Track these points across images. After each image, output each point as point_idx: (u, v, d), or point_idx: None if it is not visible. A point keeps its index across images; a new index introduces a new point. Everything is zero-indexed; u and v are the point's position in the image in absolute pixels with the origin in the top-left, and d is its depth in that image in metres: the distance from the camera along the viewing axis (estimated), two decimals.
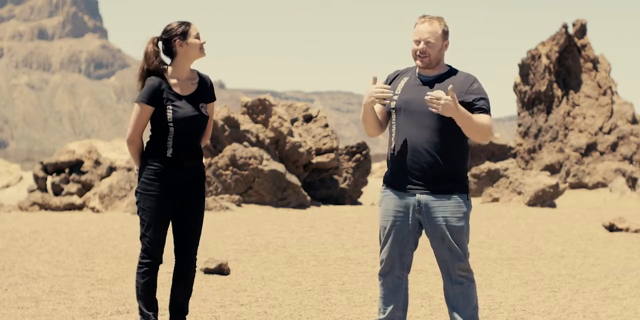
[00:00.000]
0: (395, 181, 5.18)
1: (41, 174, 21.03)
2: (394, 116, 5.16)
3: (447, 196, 5.08)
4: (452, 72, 5.19)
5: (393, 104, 5.15)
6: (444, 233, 5.09)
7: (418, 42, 5.12)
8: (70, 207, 19.18)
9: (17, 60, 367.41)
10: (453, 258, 5.13)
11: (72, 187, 20.23)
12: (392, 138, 5.17)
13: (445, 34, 5.14)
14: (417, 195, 5.11)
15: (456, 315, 5.18)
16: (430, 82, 5.14)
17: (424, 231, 5.23)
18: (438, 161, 5.06)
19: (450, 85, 4.96)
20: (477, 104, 5.06)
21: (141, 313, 5.60)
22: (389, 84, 5.25)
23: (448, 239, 5.10)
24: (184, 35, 5.52)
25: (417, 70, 5.23)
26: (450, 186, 5.10)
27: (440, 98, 4.90)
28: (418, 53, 5.12)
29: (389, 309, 5.27)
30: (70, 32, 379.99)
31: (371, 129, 5.24)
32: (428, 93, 4.96)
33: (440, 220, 5.09)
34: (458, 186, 5.12)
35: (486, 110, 5.08)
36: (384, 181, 5.27)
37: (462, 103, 5.04)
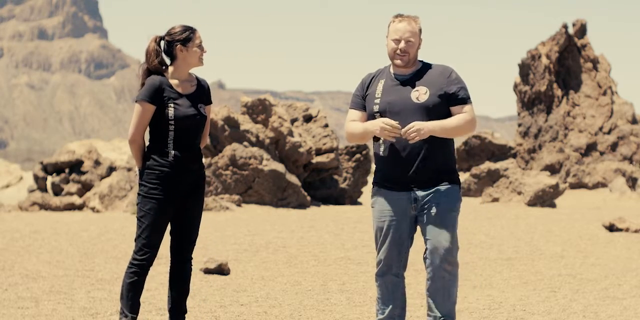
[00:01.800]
0: (387, 181, 5.21)
1: (41, 174, 21.02)
2: None
3: (440, 188, 5.14)
4: (426, 66, 5.23)
5: (377, 108, 5.18)
6: (435, 224, 5.12)
7: (398, 41, 5.16)
8: (70, 207, 19.17)
9: (17, 60, 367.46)
10: (442, 250, 5.14)
11: (72, 187, 20.22)
12: (381, 140, 5.18)
13: (420, 32, 5.22)
14: (411, 193, 5.14)
15: (434, 308, 5.18)
16: (408, 80, 5.19)
17: (418, 227, 5.25)
18: (428, 157, 5.12)
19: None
20: (459, 95, 5.15)
21: (122, 313, 5.56)
22: (367, 88, 5.27)
23: (439, 231, 5.12)
24: (186, 41, 5.50)
25: (391, 69, 5.25)
26: (442, 178, 5.16)
27: (412, 127, 4.98)
28: (399, 52, 5.15)
29: (388, 308, 5.27)
30: (70, 32, 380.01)
31: (360, 141, 5.34)
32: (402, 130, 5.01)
33: (433, 212, 5.13)
34: (450, 177, 5.18)
35: (466, 99, 5.16)
36: (374, 182, 5.30)
37: (445, 94, 5.11)
